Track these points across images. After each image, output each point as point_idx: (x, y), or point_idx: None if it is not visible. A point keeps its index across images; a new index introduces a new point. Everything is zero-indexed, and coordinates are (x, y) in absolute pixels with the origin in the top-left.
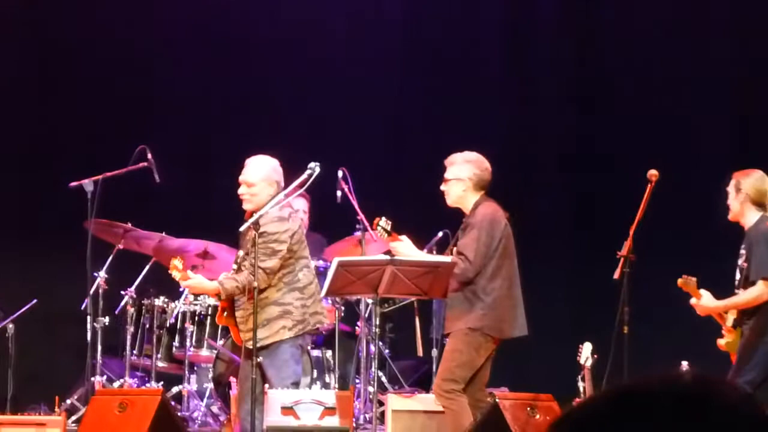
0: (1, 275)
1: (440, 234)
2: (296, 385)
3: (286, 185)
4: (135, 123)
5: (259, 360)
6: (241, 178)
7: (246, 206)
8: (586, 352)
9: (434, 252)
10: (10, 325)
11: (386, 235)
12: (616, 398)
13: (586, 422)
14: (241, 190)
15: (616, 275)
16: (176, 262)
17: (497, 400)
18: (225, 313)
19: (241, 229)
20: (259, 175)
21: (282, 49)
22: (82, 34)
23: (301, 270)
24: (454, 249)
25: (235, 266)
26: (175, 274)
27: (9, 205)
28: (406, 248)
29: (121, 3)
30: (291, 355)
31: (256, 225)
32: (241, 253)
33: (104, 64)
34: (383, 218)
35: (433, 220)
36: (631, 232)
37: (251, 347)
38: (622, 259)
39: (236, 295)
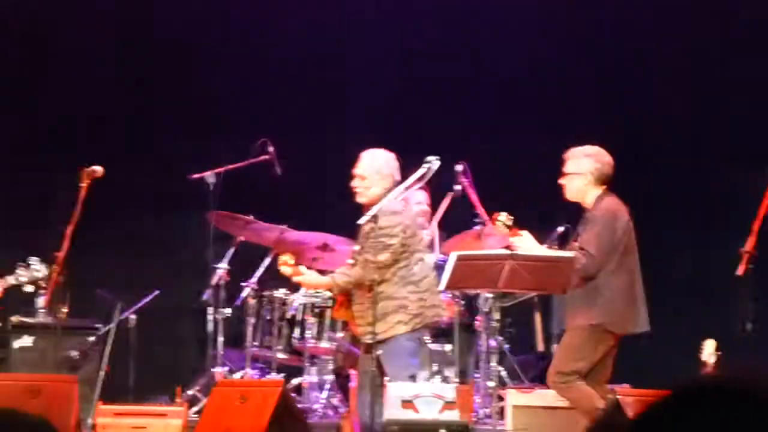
0: (124, 267)
1: (561, 229)
2: (413, 378)
3: (408, 178)
4: (257, 116)
5: (378, 353)
6: (354, 170)
7: (359, 199)
8: (709, 349)
9: (555, 247)
10: (133, 317)
11: (506, 230)
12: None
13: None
14: (354, 183)
15: (740, 272)
16: (286, 258)
17: (618, 396)
18: (342, 307)
19: (360, 222)
20: (372, 167)
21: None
22: (202, 35)
23: (416, 264)
24: (575, 244)
25: (351, 260)
26: (286, 270)
27: (131, 199)
28: (526, 243)
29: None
30: (408, 349)
31: (374, 218)
32: (357, 246)
33: (225, 58)
34: (504, 213)
35: (553, 215)
36: (756, 229)
37: (369, 342)
38: (746, 256)
39: (349, 290)
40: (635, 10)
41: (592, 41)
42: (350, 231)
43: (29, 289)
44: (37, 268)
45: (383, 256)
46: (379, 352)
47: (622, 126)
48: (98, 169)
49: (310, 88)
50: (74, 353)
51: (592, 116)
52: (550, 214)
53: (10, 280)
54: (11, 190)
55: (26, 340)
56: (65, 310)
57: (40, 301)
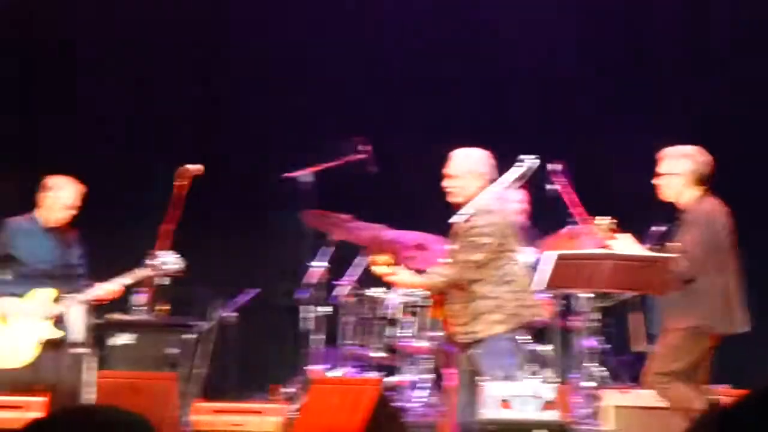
0: (224, 266)
1: (659, 229)
2: (511, 378)
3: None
4: (354, 114)
5: (474, 352)
6: (446, 170)
7: (451, 199)
8: None
9: (654, 248)
10: (232, 314)
11: (605, 231)
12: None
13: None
14: (446, 183)
15: None
16: (379, 258)
17: (718, 398)
18: (439, 307)
19: (452, 221)
20: (464, 167)
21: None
22: (307, 33)
23: (511, 263)
24: (674, 245)
25: (446, 259)
26: (379, 269)
27: (229, 198)
28: (624, 244)
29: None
30: (504, 349)
31: (468, 217)
32: (451, 246)
33: (324, 55)
34: (603, 216)
35: (649, 216)
36: None
37: (464, 341)
38: None
39: (444, 289)
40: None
41: (697, 39)
42: (445, 230)
43: (164, 281)
44: (172, 260)
45: (478, 255)
46: (478, 351)
47: (717, 124)
48: (197, 168)
49: (407, 85)
50: (174, 351)
51: (688, 113)
52: (648, 215)
53: (143, 272)
54: (114, 187)
55: (127, 338)
56: (166, 307)
57: (141, 299)
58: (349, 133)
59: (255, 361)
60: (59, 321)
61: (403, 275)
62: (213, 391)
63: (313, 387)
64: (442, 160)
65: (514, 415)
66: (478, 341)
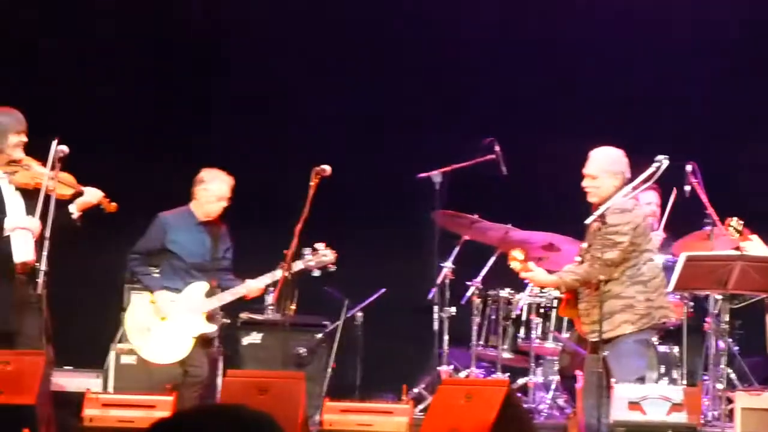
0: (352, 265)
1: None
2: (640, 380)
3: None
4: (481, 115)
5: (603, 354)
6: (584, 170)
7: (590, 199)
8: None
9: None
10: (359, 314)
11: (737, 234)
12: None
13: None
14: (584, 183)
15: None
16: (516, 254)
17: None
18: (568, 305)
19: (587, 221)
20: (602, 166)
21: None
22: (428, 33)
23: (644, 263)
24: None
25: (578, 258)
26: (515, 265)
27: (358, 197)
28: (757, 247)
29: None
30: (634, 350)
31: (602, 217)
32: (584, 245)
33: (451, 56)
34: (735, 218)
35: None
36: None
37: (594, 340)
38: None
39: (577, 288)
40: None
41: None
42: (575, 230)
43: (316, 273)
44: (325, 253)
45: (612, 255)
46: (606, 352)
47: None
48: (326, 168)
49: (537, 85)
50: (302, 350)
51: None
52: None
53: (299, 265)
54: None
55: (255, 337)
56: (293, 307)
57: (269, 298)
58: (480, 134)
59: (384, 361)
60: (210, 316)
61: (538, 273)
62: (341, 390)
63: (441, 387)
64: (575, 159)
65: (642, 417)
66: (607, 341)
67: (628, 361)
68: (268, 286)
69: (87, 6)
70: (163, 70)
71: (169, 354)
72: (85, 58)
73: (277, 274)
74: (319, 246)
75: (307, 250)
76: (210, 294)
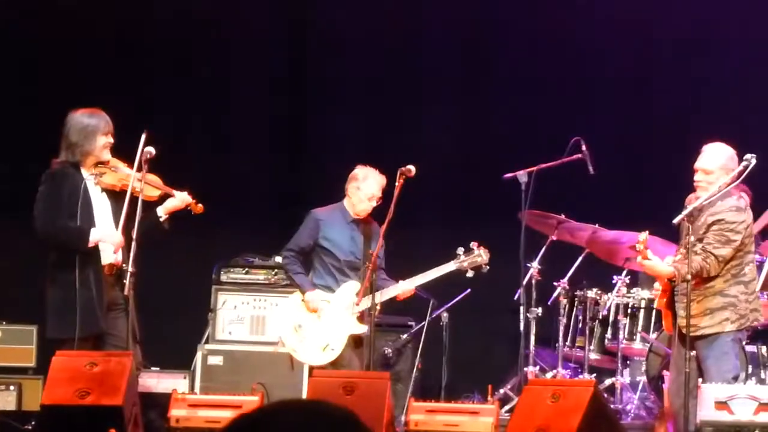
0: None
1: None
2: (735, 379)
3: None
4: (569, 114)
5: (692, 353)
6: (697, 164)
7: (699, 193)
8: None
9: None
10: (445, 314)
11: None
12: None
13: None
14: (697, 177)
15: None
16: (642, 236)
17: None
18: (665, 297)
19: (675, 221)
20: (719, 162)
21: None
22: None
23: (748, 264)
24: None
25: (679, 255)
26: (639, 247)
27: (445, 197)
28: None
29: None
30: (731, 349)
31: (690, 216)
32: (692, 238)
33: (538, 60)
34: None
35: None
36: None
37: (694, 335)
38: None
39: (688, 280)
40: None
41: None
42: (664, 231)
43: (470, 274)
44: (479, 253)
45: (725, 251)
46: (703, 348)
47: None
48: (411, 169)
49: (620, 86)
50: (388, 350)
51: None
52: None
53: (451, 266)
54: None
55: None
56: (378, 307)
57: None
58: (566, 134)
59: (470, 361)
60: (362, 316)
61: (655, 261)
62: (427, 390)
63: (527, 388)
64: (658, 159)
65: (730, 417)
66: (702, 337)
67: (725, 360)
68: (418, 287)
69: None
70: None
71: (322, 355)
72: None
73: (430, 275)
74: (473, 245)
75: (460, 250)
76: (364, 294)
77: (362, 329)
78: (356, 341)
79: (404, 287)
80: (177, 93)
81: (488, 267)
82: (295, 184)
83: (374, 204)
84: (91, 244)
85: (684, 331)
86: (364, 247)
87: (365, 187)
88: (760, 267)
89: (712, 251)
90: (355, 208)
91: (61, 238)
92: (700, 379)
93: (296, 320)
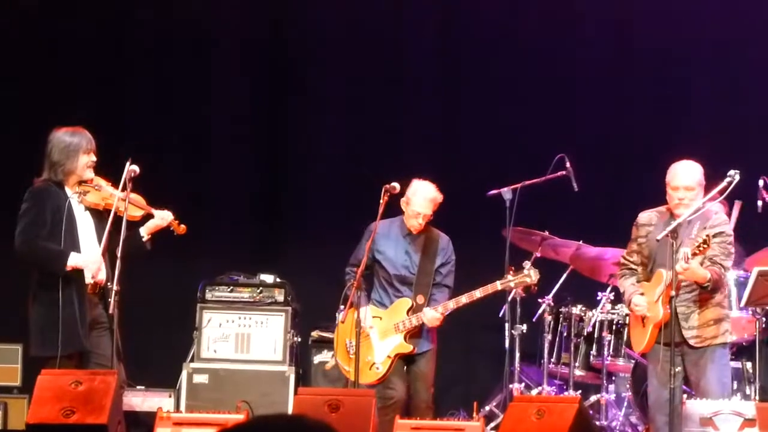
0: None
1: None
2: (726, 393)
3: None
4: (552, 131)
5: (677, 369)
6: (677, 183)
7: (681, 210)
8: None
9: None
10: None
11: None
12: None
13: None
14: (680, 195)
15: None
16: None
17: None
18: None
19: (659, 237)
20: (698, 179)
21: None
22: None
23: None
24: None
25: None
26: (687, 252)
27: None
28: None
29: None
30: (728, 360)
31: (674, 233)
32: (687, 249)
33: (525, 75)
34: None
35: None
36: None
37: (694, 345)
38: None
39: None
40: None
41: None
42: None
43: (518, 294)
44: (528, 274)
45: (728, 263)
46: (705, 358)
47: None
48: (396, 186)
49: (603, 102)
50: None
51: None
52: None
53: (497, 285)
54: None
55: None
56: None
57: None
58: (550, 151)
59: (454, 378)
60: (413, 334)
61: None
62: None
63: (512, 404)
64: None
65: None
66: (707, 347)
67: (726, 370)
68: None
69: None
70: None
71: (369, 374)
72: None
73: (462, 300)
74: (525, 264)
75: (513, 269)
76: (415, 311)
77: (408, 348)
78: (403, 359)
79: (427, 315)
80: (155, 113)
81: (536, 288)
82: (276, 199)
83: (421, 221)
84: (68, 269)
85: (693, 342)
86: (422, 262)
87: (413, 203)
88: (744, 284)
89: (720, 263)
90: (407, 222)
91: (39, 258)
92: (684, 395)
93: (348, 337)
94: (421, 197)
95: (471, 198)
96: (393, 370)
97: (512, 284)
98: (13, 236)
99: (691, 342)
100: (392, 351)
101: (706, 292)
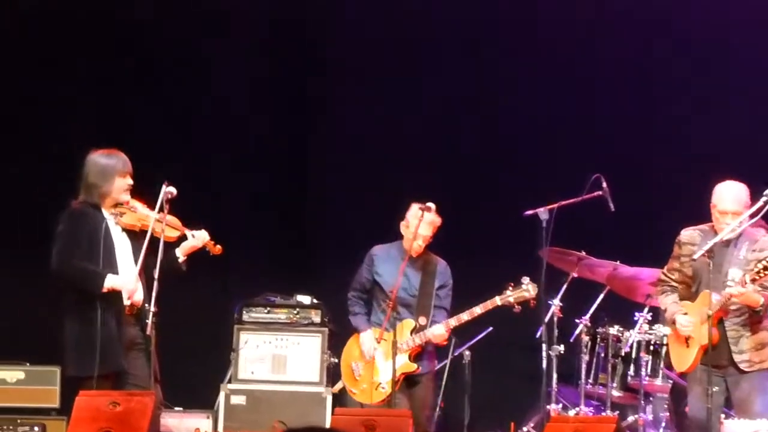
0: (460, 304)
1: None
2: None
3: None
4: (589, 151)
5: (715, 389)
6: (725, 207)
7: (729, 236)
8: None
9: None
10: (467, 352)
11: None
12: None
13: None
14: (728, 220)
15: None
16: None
17: None
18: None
19: (695, 256)
20: (744, 202)
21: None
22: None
23: None
24: None
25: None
26: (746, 279)
27: (465, 235)
28: None
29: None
30: None
31: (710, 252)
32: (746, 275)
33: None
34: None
35: None
36: None
37: (744, 369)
38: None
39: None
40: None
41: None
42: None
43: (517, 309)
44: (527, 288)
45: None
46: (749, 385)
47: None
48: (431, 206)
49: (642, 122)
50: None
51: None
52: None
53: (497, 301)
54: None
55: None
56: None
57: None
58: (587, 171)
59: (492, 399)
60: (417, 356)
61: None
62: (449, 428)
63: (549, 425)
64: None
65: None
66: (756, 372)
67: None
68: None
69: None
70: None
71: (374, 394)
72: None
73: (463, 317)
74: (524, 279)
75: (511, 284)
76: (418, 331)
77: (413, 367)
78: (410, 381)
79: (434, 332)
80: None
81: (536, 303)
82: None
83: (421, 243)
84: (105, 290)
85: (743, 366)
86: (422, 285)
87: (412, 225)
88: None
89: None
90: (406, 245)
91: (76, 278)
92: (722, 416)
93: (353, 360)
94: (423, 222)
95: (509, 218)
96: (399, 390)
97: (511, 299)
98: (46, 260)
99: (742, 366)
100: (398, 371)
101: (756, 316)
